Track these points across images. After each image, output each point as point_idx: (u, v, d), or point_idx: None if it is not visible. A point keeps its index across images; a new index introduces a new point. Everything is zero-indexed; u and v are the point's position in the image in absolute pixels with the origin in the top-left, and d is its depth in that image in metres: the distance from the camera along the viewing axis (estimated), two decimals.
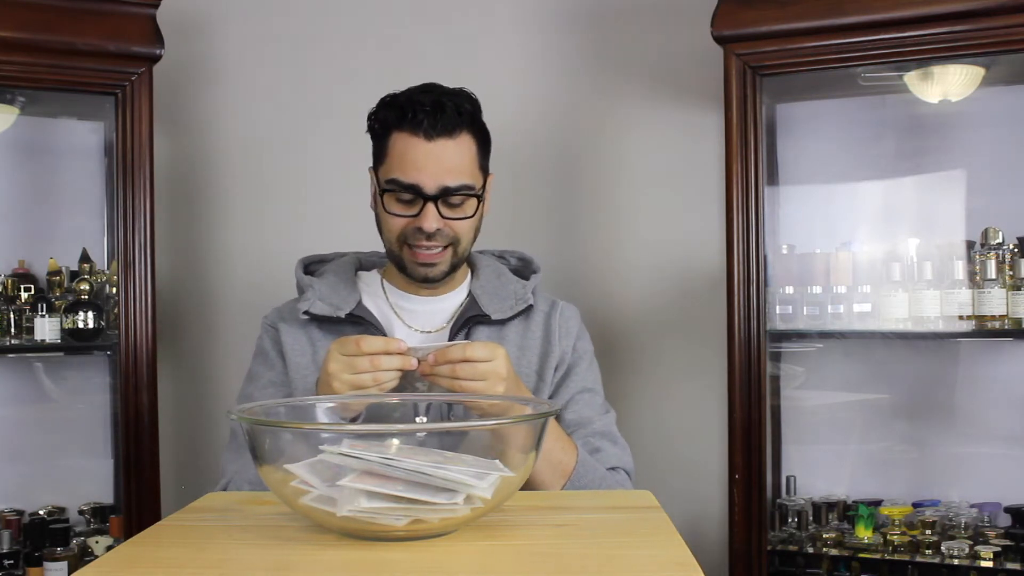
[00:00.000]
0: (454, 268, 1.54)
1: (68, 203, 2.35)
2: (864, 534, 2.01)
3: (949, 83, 2.00)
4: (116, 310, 2.08)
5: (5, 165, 2.30)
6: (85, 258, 2.19)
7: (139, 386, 2.05)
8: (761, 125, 1.97)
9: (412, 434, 0.98)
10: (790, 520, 2.11)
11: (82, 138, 2.33)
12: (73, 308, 2.11)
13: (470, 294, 1.58)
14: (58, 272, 2.19)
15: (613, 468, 1.50)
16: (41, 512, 2.21)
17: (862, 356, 2.21)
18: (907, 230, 2.14)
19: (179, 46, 2.30)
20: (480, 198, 1.51)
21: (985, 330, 1.96)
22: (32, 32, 1.96)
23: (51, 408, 2.32)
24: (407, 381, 1.30)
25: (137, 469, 2.05)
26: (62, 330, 2.11)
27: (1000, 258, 1.96)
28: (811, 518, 2.11)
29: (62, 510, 2.24)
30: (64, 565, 2.05)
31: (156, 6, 2.05)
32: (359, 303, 1.54)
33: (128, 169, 2.06)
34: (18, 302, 2.12)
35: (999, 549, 1.91)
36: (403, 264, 1.52)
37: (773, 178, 2.15)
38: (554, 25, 2.40)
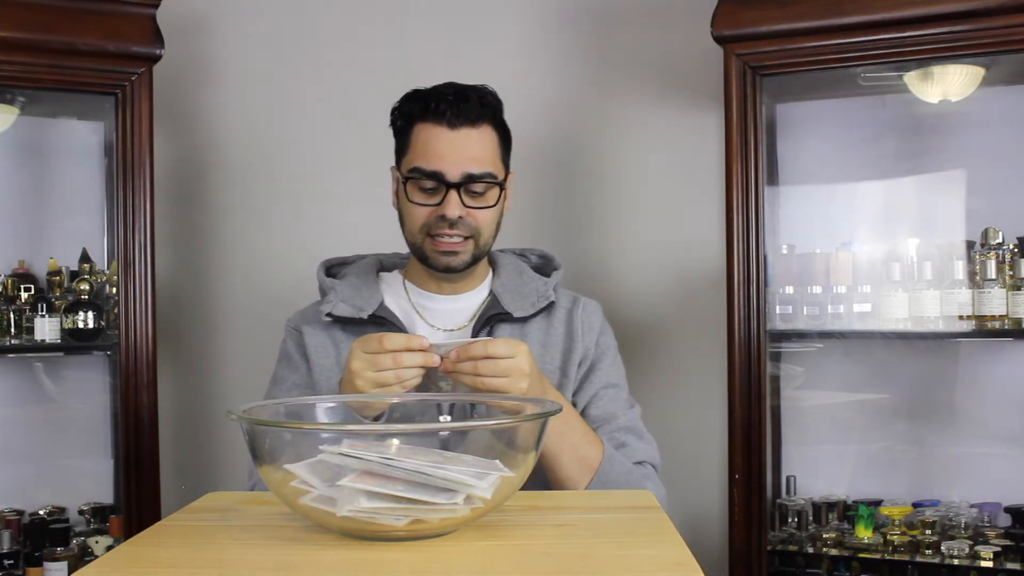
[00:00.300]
0: (476, 260, 1.54)
1: (68, 203, 2.35)
2: (864, 534, 2.01)
3: (949, 83, 2.00)
4: (116, 310, 2.08)
5: (5, 165, 2.30)
6: (85, 258, 2.19)
7: (139, 386, 2.05)
8: (761, 125, 1.97)
9: (412, 434, 0.98)
10: (790, 520, 2.11)
11: (82, 138, 2.33)
12: (73, 308, 2.11)
13: (491, 292, 1.58)
14: (58, 272, 2.19)
15: (639, 463, 1.50)
16: (41, 512, 2.21)
17: (862, 356, 2.21)
18: (907, 230, 2.14)
19: (179, 46, 2.30)
20: (502, 187, 1.51)
21: (985, 330, 1.96)
22: (32, 32, 1.96)
23: (51, 408, 2.32)
24: (430, 379, 1.30)
25: (137, 469, 2.05)
26: (62, 330, 2.11)
27: (1000, 258, 1.96)
28: (811, 518, 2.11)
29: (62, 510, 2.24)
30: (64, 565, 2.05)
31: (156, 6, 2.05)
32: (381, 304, 1.55)
33: (128, 169, 2.06)
34: (18, 302, 2.12)
35: (999, 549, 1.91)
36: (425, 255, 1.52)
37: (773, 178, 2.15)
38: (554, 25, 2.41)
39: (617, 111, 2.37)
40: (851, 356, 2.22)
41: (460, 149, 1.46)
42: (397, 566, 0.86)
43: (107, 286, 2.17)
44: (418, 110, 1.49)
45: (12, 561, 2.08)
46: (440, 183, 1.47)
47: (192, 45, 2.44)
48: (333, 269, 1.66)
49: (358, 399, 1.23)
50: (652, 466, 1.53)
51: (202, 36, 2.46)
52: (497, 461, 0.94)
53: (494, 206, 1.51)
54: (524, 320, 1.56)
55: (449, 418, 1.30)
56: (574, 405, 1.53)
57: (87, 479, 2.30)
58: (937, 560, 1.94)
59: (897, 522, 2.02)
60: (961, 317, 1.96)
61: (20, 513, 2.20)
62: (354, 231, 2.44)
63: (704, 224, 2.28)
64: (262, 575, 0.86)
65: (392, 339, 1.28)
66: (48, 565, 2.05)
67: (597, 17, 2.39)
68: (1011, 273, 1.96)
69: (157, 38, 2.06)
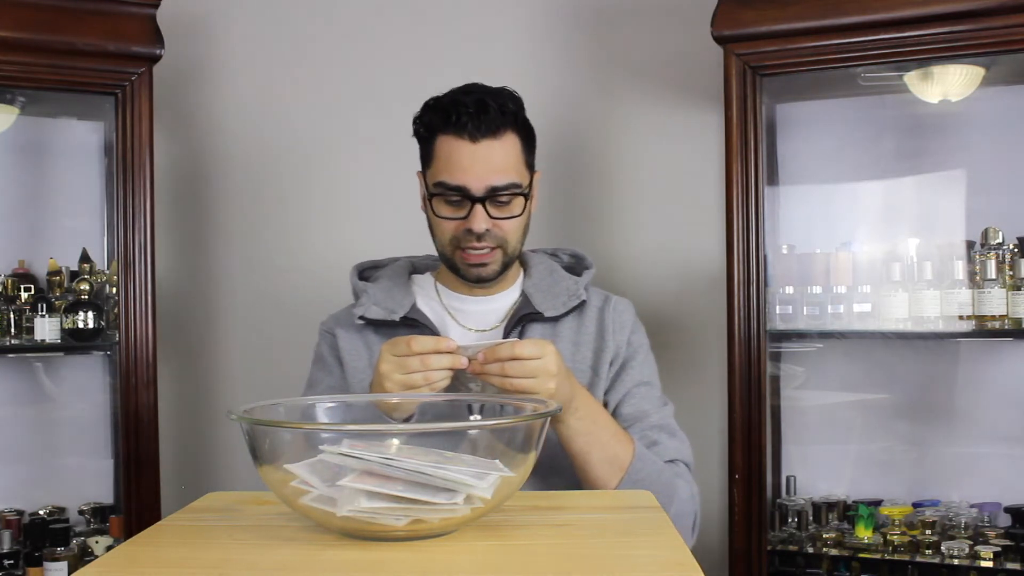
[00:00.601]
0: (505, 267, 1.55)
1: (68, 203, 2.35)
2: (864, 534, 2.01)
3: (949, 83, 2.00)
4: (116, 310, 2.08)
5: (5, 165, 2.30)
6: (85, 258, 2.19)
7: (139, 386, 2.05)
8: (761, 125, 1.97)
9: (412, 434, 0.98)
10: (790, 520, 2.11)
11: (82, 138, 2.33)
12: (73, 308, 2.11)
13: (523, 292, 1.59)
14: (58, 272, 2.19)
15: (671, 461, 1.50)
16: (41, 512, 2.21)
17: (862, 356, 2.21)
18: (907, 230, 2.14)
19: (179, 46, 2.30)
20: (527, 196, 1.52)
21: (985, 330, 1.96)
22: (32, 32, 1.96)
23: (51, 408, 2.32)
24: (460, 381, 1.31)
25: (137, 469, 2.05)
26: (62, 330, 2.11)
27: (1000, 258, 1.96)
28: (811, 518, 2.11)
29: (62, 510, 2.24)
30: (64, 565, 2.04)
31: (156, 6, 2.05)
32: (413, 306, 1.56)
33: (128, 169, 2.06)
34: (18, 302, 2.12)
35: (999, 549, 1.91)
36: (456, 266, 1.54)
37: (773, 178, 2.15)
38: (554, 25, 2.40)
39: (617, 111, 2.37)
40: (851, 356, 2.22)
41: (483, 162, 1.46)
42: (397, 566, 0.86)
43: (107, 286, 2.17)
44: (439, 121, 1.49)
45: (12, 561, 2.08)
46: (465, 197, 1.48)
47: (192, 45, 2.44)
48: (366, 272, 1.68)
49: (386, 398, 1.24)
50: (685, 464, 1.53)
51: (202, 36, 2.46)
52: (497, 461, 0.94)
53: (519, 215, 1.52)
54: (555, 320, 1.56)
55: (479, 418, 1.30)
56: (606, 404, 1.53)
57: (87, 479, 2.30)
58: (937, 560, 1.94)
59: (897, 522, 2.02)
60: (961, 317, 1.96)
61: (20, 513, 2.20)
62: (354, 231, 2.44)
63: (704, 224, 2.28)
64: (262, 575, 0.86)
65: (420, 342, 1.29)
66: (48, 565, 2.05)
67: (597, 17, 2.39)
68: (1011, 273, 1.96)
69: (157, 38, 2.06)
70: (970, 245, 2.02)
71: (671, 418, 1.56)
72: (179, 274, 2.47)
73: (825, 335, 2.06)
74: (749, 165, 1.96)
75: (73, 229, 2.31)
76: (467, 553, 0.90)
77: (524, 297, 1.58)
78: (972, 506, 2.06)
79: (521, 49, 2.40)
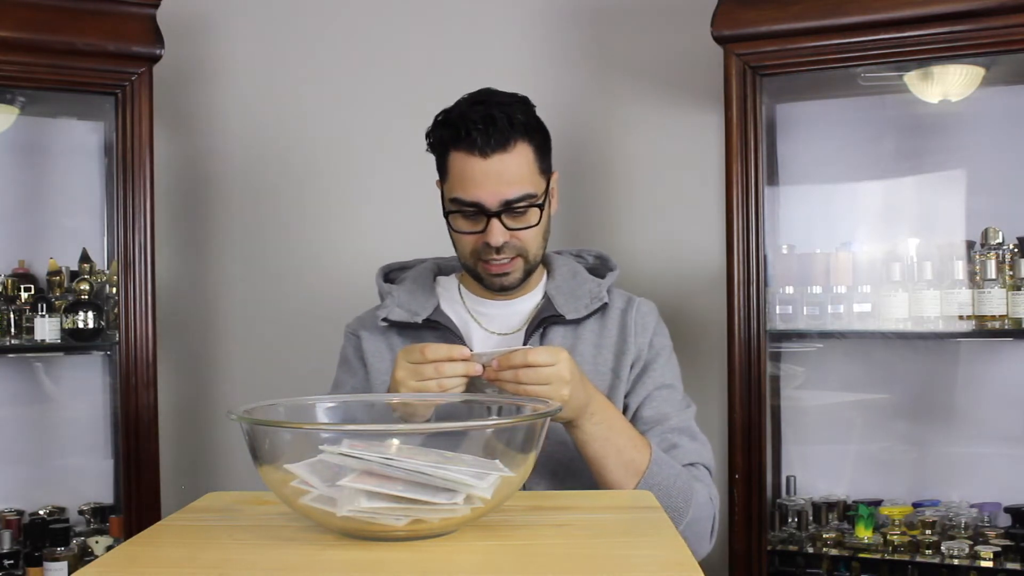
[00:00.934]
0: (528, 274, 1.55)
1: (68, 203, 2.35)
2: (864, 534, 2.01)
3: (949, 83, 2.00)
4: (116, 310, 2.08)
5: (5, 165, 2.30)
6: (85, 258, 2.19)
7: (139, 386, 2.05)
8: (761, 125, 1.97)
9: (411, 435, 0.98)
10: (790, 520, 2.11)
11: (82, 138, 2.33)
12: (73, 308, 2.11)
13: (545, 295, 1.59)
14: (58, 272, 2.19)
15: (691, 464, 1.49)
16: (41, 512, 2.21)
17: (862, 356, 2.21)
18: (907, 230, 2.14)
19: (179, 46, 2.30)
20: (542, 206, 1.51)
21: (985, 330, 1.96)
22: (32, 32, 1.96)
23: (51, 408, 2.33)
24: (475, 387, 1.31)
25: (137, 469, 2.05)
26: (62, 330, 2.11)
27: (1000, 258, 1.96)
28: (811, 518, 2.11)
29: (62, 510, 2.24)
30: (64, 565, 2.04)
31: (156, 6, 2.05)
32: (437, 308, 1.56)
33: (128, 169, 2.06)
34: (18, 302, 2.12)
35: (999, 549, 1.91)
36: (479, 277, 1.55)
37: (773, 178, 2.15)
38: (554, 25, 2.40)
39: (617, 111, 2.37)
40: (851, 356, 2.22)
41: (495, 176, 1.46)
42: (397, 566, 0.86)
43: (107, 286, 2.17)
44: (449, 137, 1.48)
45: (12, 561, 2.08)
46: (480, 212, 1.48)
47: (192, 45, 2.44)
48: (392, 274, 1.68)
49: (403, 398, 1.25)
50: (705, 467, 1.52)
51: (202, 36, 2.46)
52: (497, 461, 0.94)
53: (536, 224, 1.51)
54: (577, 322, 1.56)
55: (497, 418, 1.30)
56: (627, 407, 1.53)
57: (87, 479, 2.30)
58: (937, 560, 1.94)
59: (897, 522, 2.02)
60: (961, 317, 1.96)
61: (20, 513, 2.20)
62: (354, 231, 2.44)
63: (704, 224, 2.28)
64: (262, 575, 0.86)
65: (434, 349, 1.29)
66: (48, 565, 2.05)
67: (597, 17, 2.39)
68: (1011, 273, 1.96)
69: (157, 38, 2.06)
70: (970, 245, 2.02)
71: (692, 421, 1.55)
72: (179, 274, 2.47)
73: (825, 335, 2.06)
74: (749, 165, 1.97)
75: (73, 229, 2.31)
76: (467, 553, 0.90)
77: (546, 299, 1.58)
78: (972, 506, 2.06)
79: (521, 49, 2.40)
